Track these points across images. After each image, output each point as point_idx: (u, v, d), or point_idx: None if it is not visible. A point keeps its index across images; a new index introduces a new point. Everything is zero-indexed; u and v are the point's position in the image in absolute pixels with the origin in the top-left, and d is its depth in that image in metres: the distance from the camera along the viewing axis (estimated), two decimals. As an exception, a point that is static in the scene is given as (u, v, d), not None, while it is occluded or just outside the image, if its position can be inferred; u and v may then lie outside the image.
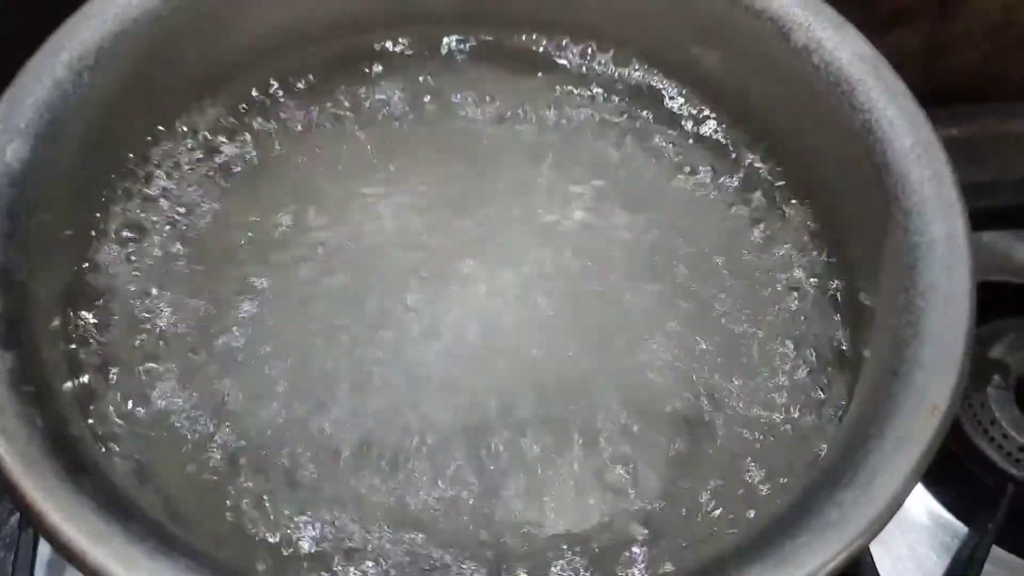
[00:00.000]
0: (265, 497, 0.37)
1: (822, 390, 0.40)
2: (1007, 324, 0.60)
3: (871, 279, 0.39)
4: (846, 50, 0.43)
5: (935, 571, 0.54)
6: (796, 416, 0.39)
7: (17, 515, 0.53)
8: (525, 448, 0.39)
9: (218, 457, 0.38)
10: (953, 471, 0.57)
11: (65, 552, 0.29)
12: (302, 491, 0.38)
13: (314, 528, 0.36)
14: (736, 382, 0.40)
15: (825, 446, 0.37)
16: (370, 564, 0.36)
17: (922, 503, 0.57)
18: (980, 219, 0.69)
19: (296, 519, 0.37)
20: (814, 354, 0.41)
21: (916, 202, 0.38)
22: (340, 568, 0.36)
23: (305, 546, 0.36)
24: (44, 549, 0.53)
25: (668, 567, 0.35)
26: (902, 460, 0.31)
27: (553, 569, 0.36)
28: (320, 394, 0.40)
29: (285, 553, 0.36)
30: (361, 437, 0.39)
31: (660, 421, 0.40)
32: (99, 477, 0.31)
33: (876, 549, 0.52)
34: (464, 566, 0.36)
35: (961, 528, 0.56)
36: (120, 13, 0.42)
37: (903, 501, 0.31)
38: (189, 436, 0.38)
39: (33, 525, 0.30)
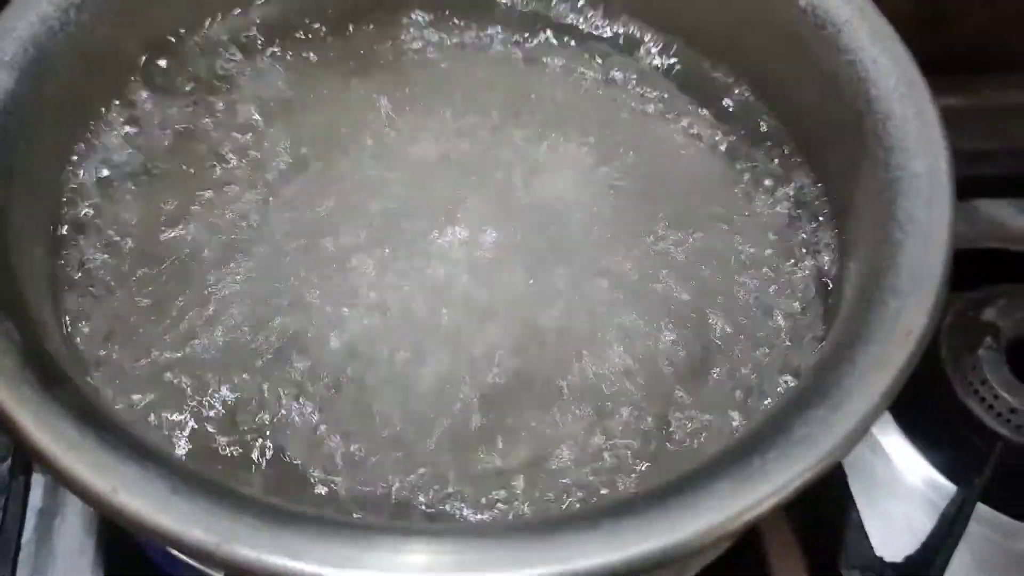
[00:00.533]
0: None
1: (802, 316, 0.40)
2: (1000, 289, 0.60)
3: (853, 213, 0.39)
4: (833, -9, 0.42)
5: (925, 532, 0.54)
6: (776, 344, 0.39)
7: (8, 462, 0.53)
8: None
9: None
10: (945, 434, 0.57)
11: (40, 459, 0.29)
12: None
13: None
14: (719, 315, 0.40)
15: (802, 366, 0.37)
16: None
17: (914, 466, 0.57)
18: (976, 187, 0.69)
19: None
20: (795, 286, 0.41)
21: (898, 139, 0.38)
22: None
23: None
24: (35, 497, 0.54)
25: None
26: (874, 382, 0.31)
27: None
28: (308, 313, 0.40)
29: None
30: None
31: (636, 342, 0.40)
32: (74, 390, 0.31)
33: (867, 511, 0.52)
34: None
35: (950, 488, 0.56)
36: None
37: (874, 421, 0.31)
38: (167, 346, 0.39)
39: (8, 433, 0.30)
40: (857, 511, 0.53)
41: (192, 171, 0.44)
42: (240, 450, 0.37)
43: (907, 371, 0.32)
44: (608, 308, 0.41)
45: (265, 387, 0.38)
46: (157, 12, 0.45)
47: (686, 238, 0.43)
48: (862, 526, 0.53)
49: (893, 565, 0.51)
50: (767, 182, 0.45)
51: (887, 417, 0.58)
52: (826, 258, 0.41)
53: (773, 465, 0.29)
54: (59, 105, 0.40)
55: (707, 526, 0.28)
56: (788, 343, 0.39)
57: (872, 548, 0.52)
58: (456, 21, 0.50)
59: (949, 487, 0.56)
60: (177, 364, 0.38)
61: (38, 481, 0.55)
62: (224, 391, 0.38)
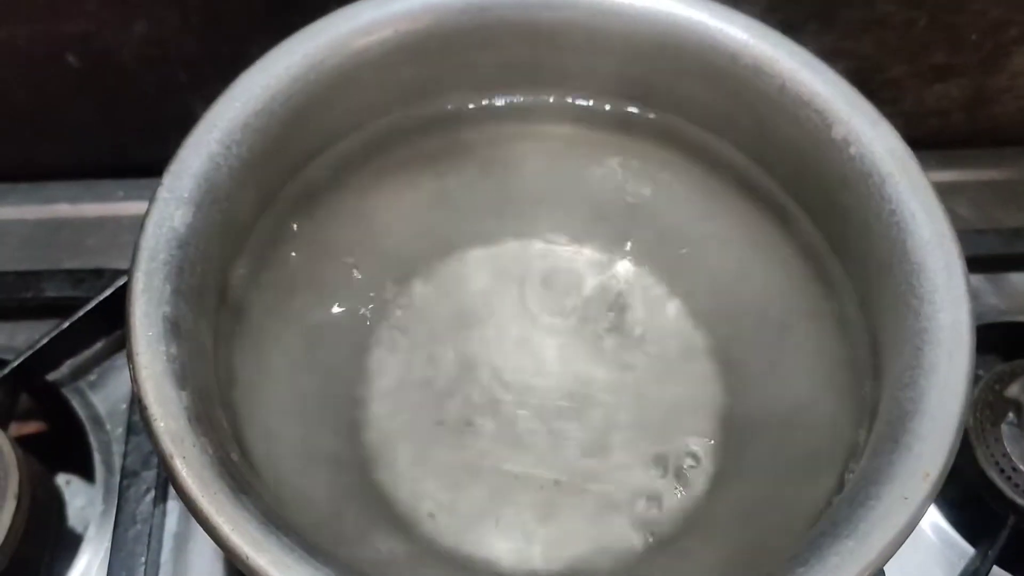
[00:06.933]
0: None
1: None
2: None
3: (885, 355, 0.46)
4: (880, 144, 0.49)
5: (941, 586, 0.61)
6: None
7: (151, 494, 0.62)
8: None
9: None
10: (965, 496, 0.64)
11: (232, 555, 0.38)
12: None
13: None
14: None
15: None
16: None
17: (934, 523, 0.64)
18: (1009, 262, 0.75)
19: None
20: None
21: (929, 290, 0.45)
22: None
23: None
24: (171, 523, 0.63)
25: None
26: (896, 518, 0.38)
27: None
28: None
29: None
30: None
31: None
32: (256, 496, 0.39)
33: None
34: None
35: (967, 548, 0.63)
36: (259, 94, 0.50)
37: (895, 551, 0.38)
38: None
39: (207, 532, 0.38)
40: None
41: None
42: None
43: (926, 507, 0.39)
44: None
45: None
46: (299, 140, 0.53)
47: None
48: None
49: (911, 620, 0.58)
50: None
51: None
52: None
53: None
54: (223, 228, 0.49)
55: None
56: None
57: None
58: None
59: (966, 547, 0.63)
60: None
61: (172, 508, 0.64)
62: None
